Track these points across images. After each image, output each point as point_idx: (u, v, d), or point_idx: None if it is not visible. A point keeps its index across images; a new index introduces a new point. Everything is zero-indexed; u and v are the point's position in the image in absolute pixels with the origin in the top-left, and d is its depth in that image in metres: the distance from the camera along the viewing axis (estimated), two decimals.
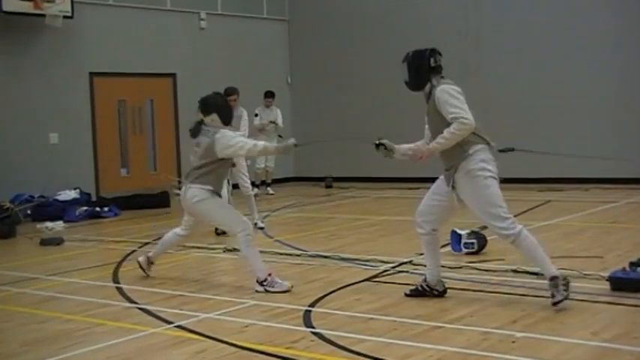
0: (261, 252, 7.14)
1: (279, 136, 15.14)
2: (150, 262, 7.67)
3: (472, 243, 7.95)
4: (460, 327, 5.40)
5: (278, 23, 18.37)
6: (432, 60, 6.01)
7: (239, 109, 10.78)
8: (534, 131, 14.83)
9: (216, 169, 6.98)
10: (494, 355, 4.74)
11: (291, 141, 6.86)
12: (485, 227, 8.78)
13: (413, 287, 6.35)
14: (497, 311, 5.75)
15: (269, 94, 15.68)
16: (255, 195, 13.07)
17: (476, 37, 15.61)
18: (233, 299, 6.53)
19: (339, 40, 17.57)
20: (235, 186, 10.59)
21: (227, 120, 7.15)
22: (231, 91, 10.67)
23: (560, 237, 8.89)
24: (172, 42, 16.18)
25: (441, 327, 5.42)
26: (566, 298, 5.65)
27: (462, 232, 8.03)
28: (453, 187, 5.96)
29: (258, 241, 9.31)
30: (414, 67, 6.03)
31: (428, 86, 6.02)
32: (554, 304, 5.64)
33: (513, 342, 4.99)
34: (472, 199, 5.88)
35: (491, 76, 15.35)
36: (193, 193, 6.97)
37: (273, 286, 6.72)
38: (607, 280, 6.27)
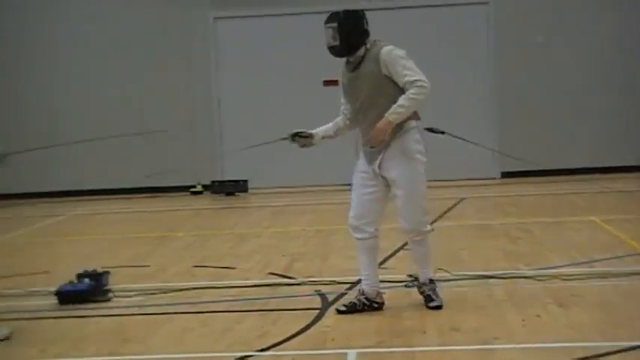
0: None
1: None
2: None
3: None
4: None
5: None
6: (364, 22, 5.29)
7: None
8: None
9: None
10: None
11: None
12: None
13: (348, 302, 5.47)
14: None
15: None
16: None
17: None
18: None
19: None
20: None
21: None
22: None
23: (3, 255, 8.48)
24: None
25: None
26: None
27: None
28: (380, 166, 5.27)
29: None
30: (346, 28, 5.22)
31: (362, 50, 5.26)
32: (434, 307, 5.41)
33: None
34: (404, 183, 5.25)
35: None
36: None
37: None
38: (55, 294, 6.14)
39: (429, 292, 5.44)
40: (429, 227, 5.43)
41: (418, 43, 12.73)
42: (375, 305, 5.45)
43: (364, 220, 5.38)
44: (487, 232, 8.50)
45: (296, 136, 5.59)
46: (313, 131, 5.61)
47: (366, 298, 5.45)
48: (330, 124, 5.64)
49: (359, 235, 5.42)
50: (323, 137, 5.63)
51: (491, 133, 13.34)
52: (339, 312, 5.43)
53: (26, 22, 14.04)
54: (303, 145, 5.63)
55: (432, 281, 5.49)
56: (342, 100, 5.56)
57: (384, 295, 5.52)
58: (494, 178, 13.49)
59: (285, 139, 5.64)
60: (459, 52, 13.51)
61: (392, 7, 13.41)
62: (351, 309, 5.42)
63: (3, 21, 14.10)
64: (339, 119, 5.61)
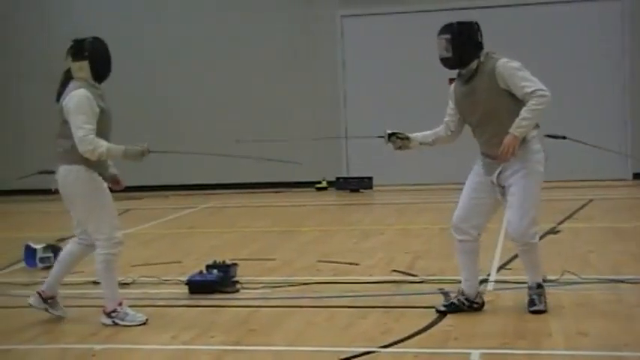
0: None
1: None
2: (47, 297, 5.63)
3: (49, 257, 7.59)
4: (35, 347, 5.10)
5: None
6: (479, 34, 5.25)
7: None
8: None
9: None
10: None
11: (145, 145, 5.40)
12: (62, 240, 8.47)
13: (448, 302, 5.52)
14: (75, 326, 5.52)
15: None
16: None
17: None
18: None
19: None
20: None
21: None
22: None
23: (139, 245, 8.87)
24: None
25: (11, 349, 5.05)
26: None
27: (37, 247, 7.64)
28: (498, 176, 5.23)
29: None
30: (460, 40, 5.19)
31: (475, 63, 5.23)
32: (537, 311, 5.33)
33: (93, 355, 4.84)
34: (517, 192, 5.16)
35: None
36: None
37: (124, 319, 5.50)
38: (185, 284, 6.39)
39: (534, 297, 5.34)
40: (536, 238, 5.31)
41: (547, 41, 12.51)
42: (475, 305, 5.43)
43: (468, 223, 5.35)
44: (617, 234, 8.22)
45: (392, 137, 5.53)
46: (411, 135, 5.56)
47: (466, 299, 5.42)
48: (430, 132, 5.59)
49: (460, 237, 5.38)
50: (421, 143, 5.57)
51: (622, 133, 12.92)
52: (438, 312, 5.40)
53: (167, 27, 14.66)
54: (399, 148, 5.55)
55: (539, 286, 5.37)
56: (449, 111, 5.51)
57: (484, 296, 5.52)
58: (626, 180, 13.03)
59: (381, 137, 5.60)
60: (590, 50, 13.11)
61: (521, 3, 13.12)
62: (451, 309, 5.41)
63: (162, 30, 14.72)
64: (441, 129, 5.56)
